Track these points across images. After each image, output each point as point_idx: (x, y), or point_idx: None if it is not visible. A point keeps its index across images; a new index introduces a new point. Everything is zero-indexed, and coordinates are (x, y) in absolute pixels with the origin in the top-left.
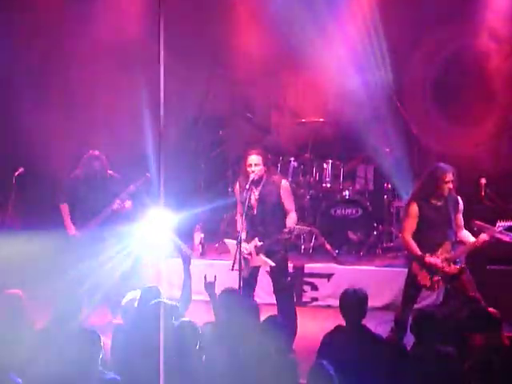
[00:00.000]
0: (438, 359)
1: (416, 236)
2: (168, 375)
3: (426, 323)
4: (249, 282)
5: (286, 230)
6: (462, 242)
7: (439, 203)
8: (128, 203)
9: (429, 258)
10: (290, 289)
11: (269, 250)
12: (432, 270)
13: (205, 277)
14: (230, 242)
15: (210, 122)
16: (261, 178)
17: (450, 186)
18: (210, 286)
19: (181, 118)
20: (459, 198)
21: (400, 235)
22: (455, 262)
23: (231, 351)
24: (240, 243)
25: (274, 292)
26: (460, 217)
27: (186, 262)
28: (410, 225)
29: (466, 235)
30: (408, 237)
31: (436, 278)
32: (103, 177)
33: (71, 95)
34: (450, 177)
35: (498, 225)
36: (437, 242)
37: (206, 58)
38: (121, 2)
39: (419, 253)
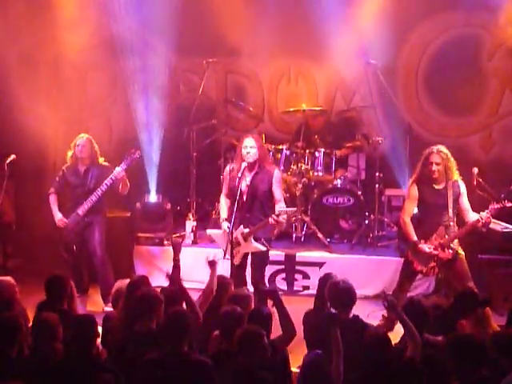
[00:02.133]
0: (426, 348)
1: (414, 219)
2: None
3: (415, 312)
4: (240, 268)
5: (275, 214)
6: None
7: (438, 187)
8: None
9: (421, 245)
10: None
11: (255, 236)
12: (425, 256)
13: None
14: (214, 232)
15: (202, 110)
16: (254, 163)
17: (434, 168)
18: (213, 263)
19: (173, 106)
20: (460, 181)
21: (400, 217)
22: (450, 248)
23: None
24: (232, 230)
25: (253, 275)
26: (463, 200)
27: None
28: (410, 207)
29: (474, 217)
30: (407, 219)
31: (431, 264)
32: (92, 162)
33: (63, 81)
34: (435, 158)
35: (490, 207)
36: (432, 227)
37: (199, 47)
38: None
39: (414, 238)
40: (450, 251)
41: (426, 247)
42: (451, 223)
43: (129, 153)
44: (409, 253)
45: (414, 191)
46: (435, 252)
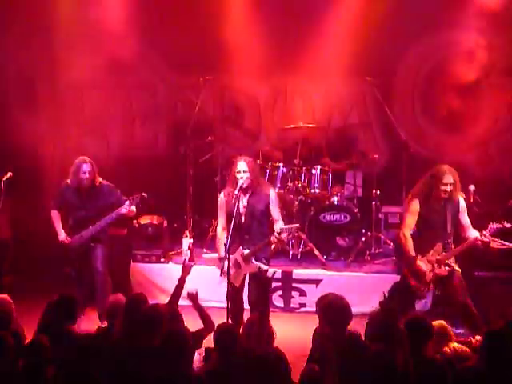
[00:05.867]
0: (426, 366)
1: (412, 234)
2: None
3: (418, 328)
4: (238, 290)
5: (276, 233)
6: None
7: (438, 204)
8: (133, 208)
9: (419, 262)
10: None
11: (256, 256)
12: (422, 272)
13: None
14: (210, 257)
15: (199, 127)
16: (249, 185)
17: (448, 188)
18: (192, 298)
19: (170, 124)
20: (460, 197)
21: (399, 231)
22: (447, 264)
23: None
24: (228, 253)
25: (251, 295)
26: (463, 216)
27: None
28: (410, 221)
29: (474, 234)
30: (407, 233)
31: (427, 280)
32: (93, 185)
33: (60, 98)
34: (448, 179)
35: (490, 227)
36: (430, 243)
37: (196, 64)
38: (111, 7)
39: (412, 254)
40: (447, 268)
41: (423, 265)
42: (449, 240)
43: (135, 195)
44: (405, 269)
45: (416, 205)
46: (429, 272)
